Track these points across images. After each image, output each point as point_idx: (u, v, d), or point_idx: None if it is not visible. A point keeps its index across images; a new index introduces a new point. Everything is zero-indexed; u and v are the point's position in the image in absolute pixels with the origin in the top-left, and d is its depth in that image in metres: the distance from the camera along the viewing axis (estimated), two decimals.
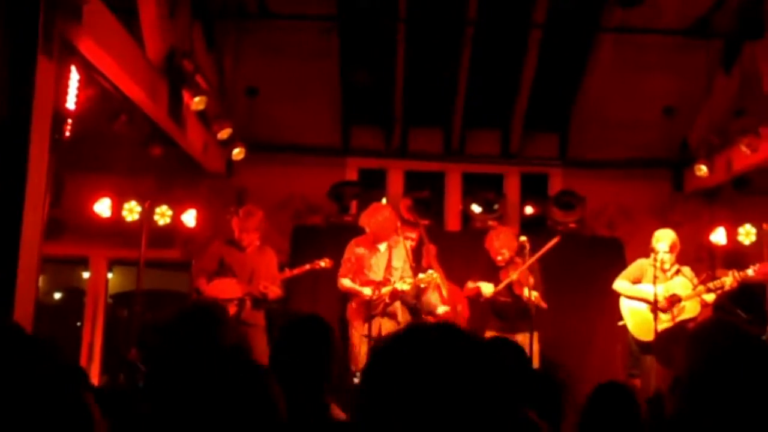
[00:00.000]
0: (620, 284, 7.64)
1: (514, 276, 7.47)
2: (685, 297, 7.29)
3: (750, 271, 7.27)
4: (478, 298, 7.72)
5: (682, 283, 7.36)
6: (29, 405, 1.60)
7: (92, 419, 1.65)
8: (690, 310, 7.34)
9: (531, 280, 7.48)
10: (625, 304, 7.59)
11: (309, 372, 3.22)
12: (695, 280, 7.33)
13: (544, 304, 7.57)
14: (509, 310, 7.56)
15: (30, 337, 1.75)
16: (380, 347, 1.63)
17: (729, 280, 7.20)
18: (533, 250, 7.53)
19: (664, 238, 7.47)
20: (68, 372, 1.76)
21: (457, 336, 1.59)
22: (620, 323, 7.62)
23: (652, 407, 3.68)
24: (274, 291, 7.57)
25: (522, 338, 6.98)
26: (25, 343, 1.70)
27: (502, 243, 7.74)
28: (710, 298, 7.25)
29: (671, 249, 7.46)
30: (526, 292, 7.41)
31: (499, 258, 7.72)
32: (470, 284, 7.79)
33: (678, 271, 7.44)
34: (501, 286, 7.53)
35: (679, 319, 7.26)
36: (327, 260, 7.64)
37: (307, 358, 3.27)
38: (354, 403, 1.63)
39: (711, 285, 7.28)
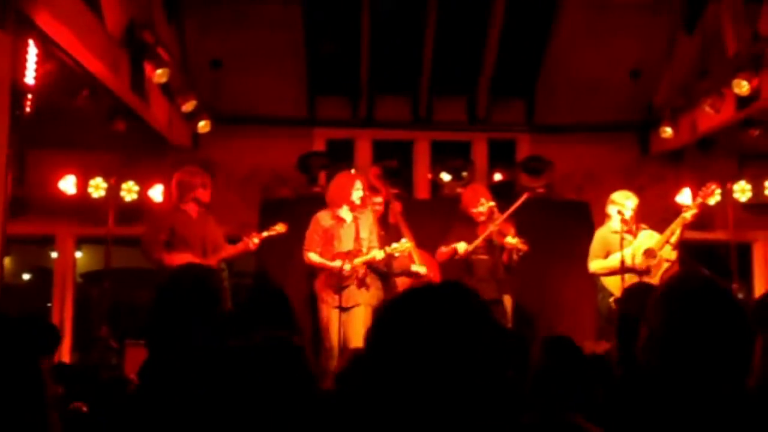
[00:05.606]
0: (595, 265, 7.52)
1: (492, 227, 7.42)
2: (657, 246, 7.29)
3: (699, 199, 7.28)
4: (453, 257, 7.60)
5: (648, 235, 7.37)
6: None
7: (43, 383, 1.64)
8: (668, 256, 7.28)
9: (512, 230, 7.48)
10: (608, 278, 7.43)
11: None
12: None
13: (525, 246, 7.41)
14: (485, 269, 7.47)
15: None
16: (392, 303, 1.66)
17: (687, 214, 7.18)
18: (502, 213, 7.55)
19: (629, 197, 7.48)
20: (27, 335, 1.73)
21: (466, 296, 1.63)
22: (611, 299, 7.33)
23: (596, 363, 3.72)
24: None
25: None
26: None
27: (479, 194, 7.69)
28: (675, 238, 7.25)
29: (636, 207, 7.46)
30: (509, 238, 7.40)
31: (481, 209, 7.61)
32: (443, 249, 7.70)
33: (638, 228, 7.44)
34: (479, 239, 7.48)
35: (662, 270, 7.21)
36: (282, 225, 7.41)
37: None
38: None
39: (673, 225, 7.25)
